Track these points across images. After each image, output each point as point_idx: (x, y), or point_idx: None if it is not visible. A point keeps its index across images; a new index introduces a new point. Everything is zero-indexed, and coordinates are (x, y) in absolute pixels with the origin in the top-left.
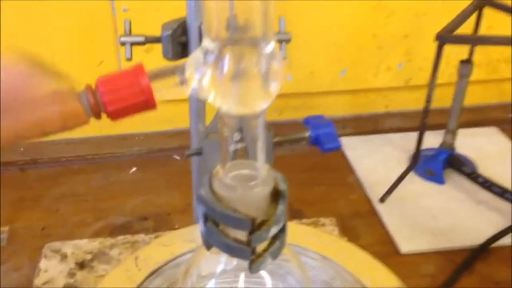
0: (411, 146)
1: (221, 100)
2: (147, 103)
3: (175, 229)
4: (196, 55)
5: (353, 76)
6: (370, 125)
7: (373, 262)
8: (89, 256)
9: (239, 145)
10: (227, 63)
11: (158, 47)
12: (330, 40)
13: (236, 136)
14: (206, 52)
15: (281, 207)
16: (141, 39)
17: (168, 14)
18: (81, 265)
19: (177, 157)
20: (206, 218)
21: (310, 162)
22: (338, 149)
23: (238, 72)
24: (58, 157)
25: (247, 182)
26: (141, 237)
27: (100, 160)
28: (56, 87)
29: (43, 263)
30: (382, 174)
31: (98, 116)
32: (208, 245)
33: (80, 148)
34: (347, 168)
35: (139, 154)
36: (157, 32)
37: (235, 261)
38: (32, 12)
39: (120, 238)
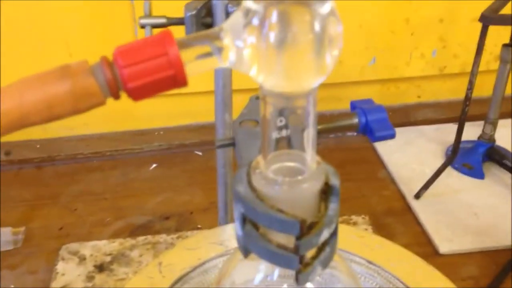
0: (446, 139)
1: (266, 74)
2: (177, 79)
3: (198, 229)
4: (235, 17)
5: (383, 64)
6: (401, 116)
7: (427, 268)
8: (108, 258)
9: (284, 132)
10: (275, 26)
11: (181, 30)
12: (359, 26)
13: (280, 121)
14: (247, 14)
15: (334, 206)
16: (163, 21)
17: None
18: (100, 268)
19: (199, 153)
20: (244, 220)
21: (338, 156)
22: (393, 137)
23: (288, 38)
24: (75, 154)
25: (293, 176)
26: (162, 237)
27: (118, 156)
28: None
29: (60, 266)
30: (416, 169)
31: (116, 94)
32: (246, 252)
33: (97, 144)
34: (378, 162)
35: (159, 150)
36: (179, 13)
37: (277, 270)
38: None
39: (141, 238)
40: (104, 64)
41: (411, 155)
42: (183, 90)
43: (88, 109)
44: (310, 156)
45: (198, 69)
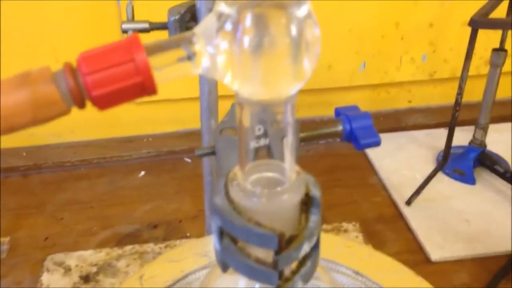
0: (437, 144)
1: (240, 81)
2: (145, 86)
3: (186, 237)
4: (207, 21)
5: (373, 69)
6: (392, 121)
7: (416, 279)
8: (94, 269)
9: (262, 142)
10: (249, 31)
11: (164, 34)
12: (349, 30)
13: (259, 130)
14: (220, 18)
15: (315, 218)
16: (145, 25)
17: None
18: (86, 279)
19: (188, 160)
20: (221, 233)
21: (328, 162)
22: (378, 144)
23: (263, 43)
24: (62, 162)
25: (272, 187)
26: (150, 246)
27: (106, 164)
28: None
29: (45, 277)
30: (407, 174)
31: (80, 103)
32: (224, 266)
33: (85, 151)
34: (368, 168)
35: (148, 157)
36: (163, 18)
37: (257, 285)
38: (35, 5)
39: (128, 248)
40: (66, 71)
41: (402, 160)
42: (171, 96)
43: (50, 119)
44: (290, 165)
45: (169, 76)
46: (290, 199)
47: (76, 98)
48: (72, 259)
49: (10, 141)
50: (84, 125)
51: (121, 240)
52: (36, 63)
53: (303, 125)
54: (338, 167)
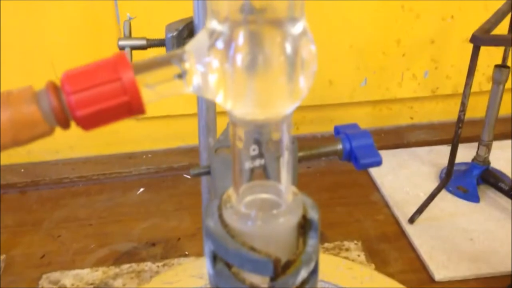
0: (440, 161)
1: (233, 101)
2: (132, 106)
3: (185, 255)
4: (199, 38)
5: (375, 85)
6: (394, 138)
7: None
8: (90, 287)
9: (257, 162)
10: (242, 49)
11: (162, 51)
12: (350, 46)
13: (254, 150)
14: (212, 35)
15: (313, 242)
16: (143, 42)
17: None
18: None
19: (188, 176)
20: (214, 258)
21: (329, 180)
22: (379, 164)
23: (257, 62)
24: (60, 178)
25: (267, 210)
26: (148, 265)
27: (105, 180)
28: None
29: None
30: (410, 192)
31: (64, 123)
32: None
33: (83, 168)
34: (370, 185)
35: (147, 173)
36: (161, 35)
37: None
38: (34, 19)
39: (125, 267)
40: (49, 90)
41: (404, 177)
42: (171, 112)
43: (31, 139)
44: (286, 187)
45: (159, 95)
46: (287, 222)
47: (59, 118)
48: (68, 278)
49: (8, 157)
50: (83, 141)
51: (118, 258)
52: (35, 77)
53: (303, 141)
54: (339, 184)
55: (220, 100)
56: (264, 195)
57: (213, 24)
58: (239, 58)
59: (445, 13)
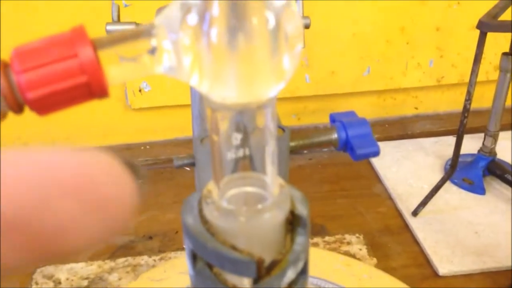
0: (445, 152)
1: (210, 83)
2: (92, 87)
3: (182, 249)
4: (170, 11)
5: (378, 75)
6: (398, 129)
7: None
8: (85, 282)
9: (240, 152)
10: (218, 23)
11: None
12: (353, 35)
13: (236, 139)
14: (184, 9)
15: (301, 240)
16: (132, 27)
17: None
18: None
19: (187, 168)
20: (194, 258)
21: (331, 171)
22: (376, 155)
23: (235, 39)
24: None
25: (251, 205)
26: (144, 259)
27: None
28: None
29: None
30: (413, 184)
31: (16, 107)
32: None
33: None
34: (373, 177)
35: (144, 165)
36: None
37: None
38: (31, 13)
39: (121, 260)
40: None
41: (408, 169)
42: (169, 102)
43: None
44: (272, 179)
45: (124, 76)
46: (272, 218)
47: (9, 101)
48: (62, 272)
49: (2, 147)
50: (79, 132)
51: (114, 252)
52: None
53: (304, 132)
54: (341, 176)
55: (195, 82)
56: (248, 188)
57: None
58: (215, 34)
59: None
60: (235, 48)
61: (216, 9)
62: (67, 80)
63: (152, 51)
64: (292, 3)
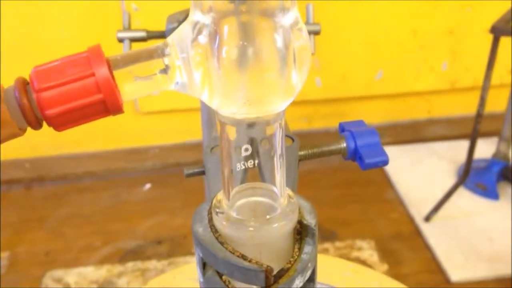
0: (459, 157)
1: (220, 99)
2: (107, 104)
3: (191, 254)
4: (182, 32)
5: (391, 78)
6: (410, 133)
7: None
8: (94, 286)
9: (250, 164)
10: (228, 42)
11: None
12: (365, 38)
13: (246, 150)
14: (196, 28)
15: (309, 249)
16: (142, 34)
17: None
18: None
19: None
20: (204, 266)
21: (343, 176)
22: (385, 164)
23: (244, 56)
24: (65, 174)
25: (260, 215)
26: (153, 263)
27: (110, 176)
28: None
29: None
30: (426, 189)
31: (34, 123)
32: None
33: (89, 163)
34: (385, 182)
35: (154, 169)
36: (161, 26)
37: None
38: (38, 14)
39: (130, 265)
40: (18, 87)
41: (420, 174)
42: (179, 106)
43: (1, 140)
44: (280, 189)
45: (139, 93)
46: (281, 228)
47: (28, 118)
48: (72, 275)
49: (13, 152)
50: (89, 136)
51: (123, 256)
52: None
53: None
54: (352, 181)
55: (205, 97)
56: (257, 199)
57: (197, 16)
58: (225, 52)
59: (464, 2)
60: (245, 66)
61: (226, 29)
62: (84, 98)
63: (165, 69)
64: (300, 22)
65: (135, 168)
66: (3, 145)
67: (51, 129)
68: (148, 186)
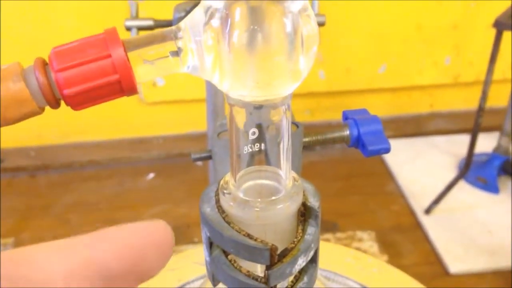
0: (460, 151)
1: (230, 82)
2: (123, 85)
3: (193, 243)
4: (195, 15)
5: (394, 72)
6: (413, 127)
7: None
8: None
9: (256, 147)
10: (239, 26)
11: None
12: (369, 32)
13: (253, 134)
14: (208, 12)
15: (312, 231)
16: (150, 23)
17: None
18: None
19: (199, 163)
20: (211, 245)
21: (344, 168)
22: (387, 152)
23: (254, 40)
24: (70, 162)
25: (266, 196)
26: None
27: (115, 165)
28: None
29: None
30: (427, 182)
31: (53, 102)
32: (214, 280)
33: (94, 152)
34: (386, 175)
35: (158, 159)
36: (169, 15)
37: None
38: (45, 5)
39: None
40: (37, 67)
41: (422, 167)
42: (183, 97)
43: (20, 119)
44: (286, 172)
45: (152, 75)
46: (285, 209)
47: (48, 97)
48: None
49: (18, 141)
50: (94, 125)
51: None
52: None
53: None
54: (354, 173)
55: (216, 80)
56: (263, 181)
57: (209, 0)
58: (236, 36)
59: None
60: (254, 50)
61: (237, 13)
62: (101, 78)
63: (177, 52)
64: (309, 8)
65: (140, 158)
66: (8, 133)
67: (56, 117)
68: (151, 175)
